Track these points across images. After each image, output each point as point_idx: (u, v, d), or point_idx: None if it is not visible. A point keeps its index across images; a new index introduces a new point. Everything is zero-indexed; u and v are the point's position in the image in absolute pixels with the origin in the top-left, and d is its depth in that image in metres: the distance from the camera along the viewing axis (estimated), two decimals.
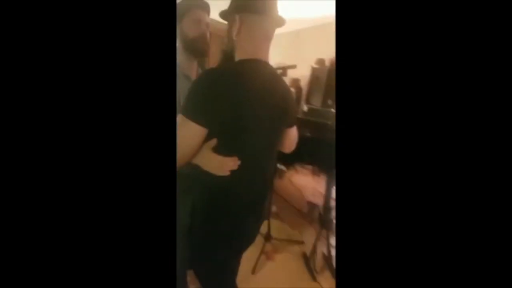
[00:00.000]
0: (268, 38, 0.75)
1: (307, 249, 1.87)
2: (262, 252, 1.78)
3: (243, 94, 0.66)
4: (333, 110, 2.07)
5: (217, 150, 0.68)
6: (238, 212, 0.78)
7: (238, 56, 0.74)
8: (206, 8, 0.97)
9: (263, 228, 1.85)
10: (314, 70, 2.41)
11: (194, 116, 0.64)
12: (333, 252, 1.79)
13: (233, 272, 0.95)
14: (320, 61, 2.63)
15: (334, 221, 2.11)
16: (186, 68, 0.99)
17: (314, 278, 1.64)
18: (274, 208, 2.37)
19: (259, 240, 1.86)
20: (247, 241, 0.89)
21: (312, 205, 2.43)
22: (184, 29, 0.94)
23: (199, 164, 0.70)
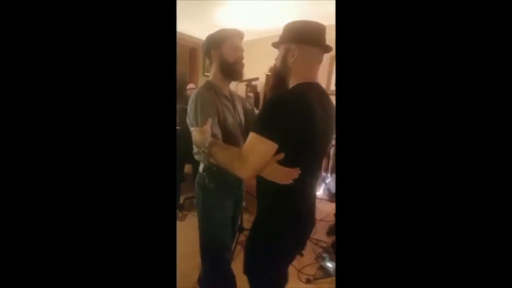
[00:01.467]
0: (318, 63, 0.87)
1: None
2: (237, 242, 1.99)
3: (309, 113, 0.74)
4: None
5: (281, 162, 0.77)
6: (300, 216, 0.88)
7: (293, 79, 0.85)
8: (242, 36, 1.13)
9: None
10: (267, 76, 2.70)
11: (270, 134, 0.72)
12: None
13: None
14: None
15: None
16: (224, 89, 1.14)
17: None
18: (244, 204, 2.59)
19: None
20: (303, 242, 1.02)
21: None
22: (225, 54, 1.08)
23: (263, 175, 0.79)
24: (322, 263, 1.84)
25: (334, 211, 2.45)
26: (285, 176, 0.78)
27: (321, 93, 0.85)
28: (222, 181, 1.12)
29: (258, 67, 2.79)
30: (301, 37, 0.83)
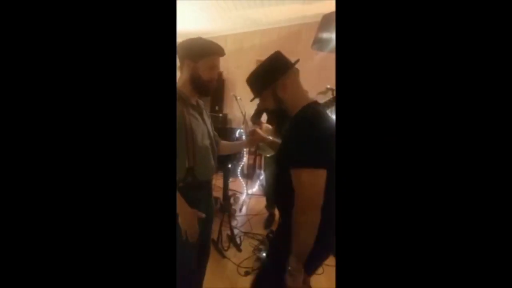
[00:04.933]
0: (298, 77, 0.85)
1: (214, 235, 2.18)
2: None
3: (329, 131, 0.72)
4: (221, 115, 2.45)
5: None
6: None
7: (293, 108, 0.82)
8: (221, 53, 1.02)
9: None
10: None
11: (319, 161, 0.68)
12: (235, 231, 2.19)
13: None
14: None
15: (233, 206, 2.51)
16: (191, 98, 1.04)
17: (223, 255, 1.99)
18: None
19: None
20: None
21: (214, 198, 2.75)
22: (199, 70, 0.98)
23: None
24: (258, 255, 1.98)
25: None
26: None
27: (321, 110, 0.86)
28: None
29: None
30: (281, 66, 0.81)
